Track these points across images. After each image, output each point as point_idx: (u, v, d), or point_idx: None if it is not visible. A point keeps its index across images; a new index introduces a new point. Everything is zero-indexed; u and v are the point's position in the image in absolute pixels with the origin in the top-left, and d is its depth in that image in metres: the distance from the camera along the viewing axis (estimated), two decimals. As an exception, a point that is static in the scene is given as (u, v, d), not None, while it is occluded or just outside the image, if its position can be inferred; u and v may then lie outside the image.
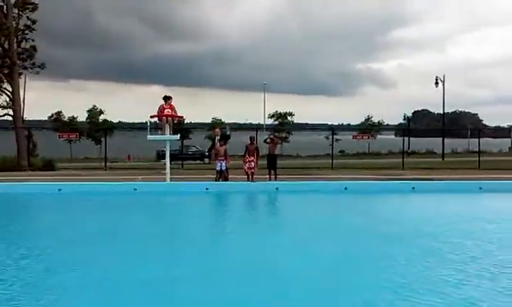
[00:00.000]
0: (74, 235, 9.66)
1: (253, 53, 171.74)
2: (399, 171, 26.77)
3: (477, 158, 31.25)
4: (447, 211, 12.98)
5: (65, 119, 62.38)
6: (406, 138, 47.91)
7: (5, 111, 32.58)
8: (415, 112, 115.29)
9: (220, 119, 59.67)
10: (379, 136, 67.09)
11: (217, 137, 19.43)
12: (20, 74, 33.57)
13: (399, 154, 45.43)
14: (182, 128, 36.70)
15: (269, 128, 58.38)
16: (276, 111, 64.34)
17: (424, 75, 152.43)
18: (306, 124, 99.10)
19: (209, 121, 60.35)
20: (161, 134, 17.74)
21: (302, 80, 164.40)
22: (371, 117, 69.37)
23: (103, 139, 39.85)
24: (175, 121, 18.98)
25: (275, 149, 20.83)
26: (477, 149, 34.99)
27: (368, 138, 46.22)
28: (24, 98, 34.35)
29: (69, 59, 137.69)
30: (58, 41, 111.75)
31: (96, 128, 56.66)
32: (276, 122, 64.13)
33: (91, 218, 11.89)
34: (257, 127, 42.10)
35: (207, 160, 37.08)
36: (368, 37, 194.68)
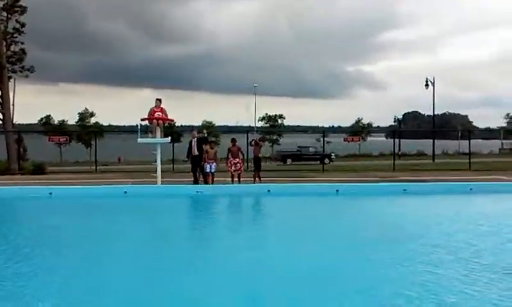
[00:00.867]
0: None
1: (244, 55, 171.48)
2: (390, 173, 26.78)
3: (468, 160, 31.36)
4: (440, 213, 12.97)
5: (55, 123, 62.01)
6: (397, 140, 48.03)
7: (-5, 115, 32.31)
8: (405, 114, 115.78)
9: (211, 122, 59.63)
10: (369, 138, 67.33)
11: (194, 140, 19.34)
12: (10, 78, 33.28)
13: (389, 156, 45.53)
14: (172, 131, 36.51)
15: (259, 130, 58.43)
16: (266, 114, 64.46)
17: (414, 77, 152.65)
18: (298, 126, 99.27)
19: (200, 123, 60.25)
20: (152, 137, 17.67)
21: (293, 82, 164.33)
22: (362, 119, 69.67)
23: (93, 142, 39.62)
24: (166, 124, 18.87)
25: (259, 152, 21.10)
26: (468, 151, 35.09)
27: (359, 140, 46.27)
28: (13, 102, 34.03)
29: (59, 62, 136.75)
30: (48, 44, 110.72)
31: (87, 131, 56.31)
32: (267, 124, 64.25)
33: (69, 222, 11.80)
34: (248, 130, 42.05)
35: (327, 160, 37.72)
36: (359, 39, 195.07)
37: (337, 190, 16.44)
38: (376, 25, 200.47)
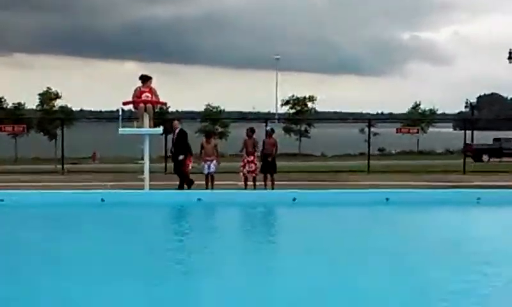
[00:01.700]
0: None
1: (259, 18, 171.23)
2: (459, 176, 26.66)
3: None
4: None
5: (8, 106, 62.46)
6: (469, 131, 47.59)
7: None
8: (480, 97, 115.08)
9: (217, 107, 59.41)
10: (431, 129, 66.87)
11: (177, 131, 19.43)
12: None
13: (459, 153, 45.22)
14: (165, 119, 36.67)
15: (281, 118, 58.06)
16: (293, 96, 63.85)
17: (492, 47, 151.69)
18: (334, 113, 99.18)
19: (202, 109, 60.08)
20: (138, 127, 17.66)
21: (326, 54, 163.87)
22: (420, 104, 69.14)
23: (59, 132, 39.86)
24: (156, 110, 18.95)
25: (274, 148, 20.71)
26: None
27: (417, 132, 45.97)
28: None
29: (12, 26, 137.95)
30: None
31: (51, 117, 56.66)
32: (293, 110, 63.71)
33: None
34: (267, 118, 41.93)
35: None
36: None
37: (387, 199, 16.43)
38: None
